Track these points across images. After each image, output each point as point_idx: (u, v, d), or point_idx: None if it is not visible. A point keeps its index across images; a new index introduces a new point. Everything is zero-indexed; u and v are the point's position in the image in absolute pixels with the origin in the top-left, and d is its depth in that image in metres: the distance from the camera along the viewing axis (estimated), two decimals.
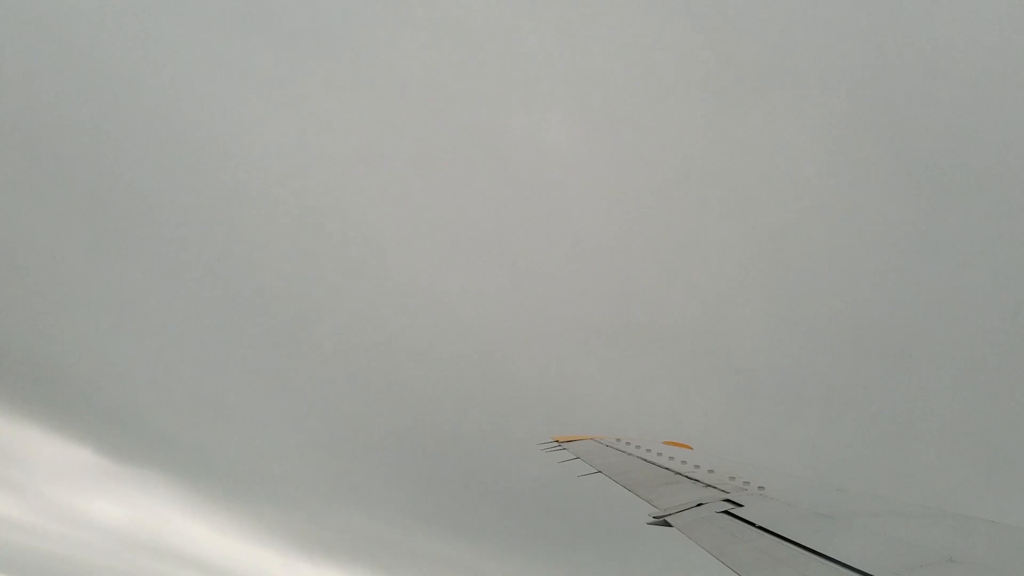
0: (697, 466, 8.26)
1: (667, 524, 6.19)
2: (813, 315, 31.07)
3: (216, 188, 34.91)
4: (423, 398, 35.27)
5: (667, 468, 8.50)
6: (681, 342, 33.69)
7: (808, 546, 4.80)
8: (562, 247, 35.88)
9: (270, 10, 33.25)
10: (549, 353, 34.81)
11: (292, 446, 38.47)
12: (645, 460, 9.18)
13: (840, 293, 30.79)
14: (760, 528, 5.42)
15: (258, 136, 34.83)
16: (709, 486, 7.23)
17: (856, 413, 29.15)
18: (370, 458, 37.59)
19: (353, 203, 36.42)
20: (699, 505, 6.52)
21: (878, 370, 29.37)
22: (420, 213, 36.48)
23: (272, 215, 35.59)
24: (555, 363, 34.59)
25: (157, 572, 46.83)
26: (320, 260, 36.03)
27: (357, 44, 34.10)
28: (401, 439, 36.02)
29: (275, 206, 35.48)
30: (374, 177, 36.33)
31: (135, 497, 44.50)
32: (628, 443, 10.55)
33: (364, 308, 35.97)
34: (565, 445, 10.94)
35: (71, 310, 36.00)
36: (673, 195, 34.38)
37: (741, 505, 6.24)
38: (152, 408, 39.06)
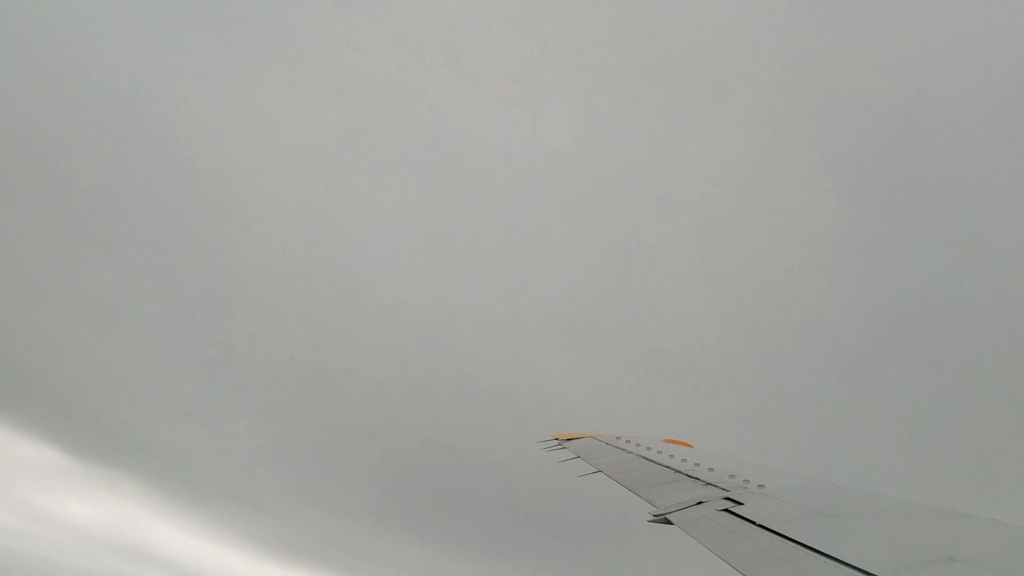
0: (697, 464, 8.27)
1: (668, 522, 6.20)
2: (804, 315, 31.16)
3: (181, 188, 34.80)
4: (393, 399, 35.06)
5: (667, 466, 8.51)
6: (645, 343, 33.71)
7: (809, 544, 4.81)
8: (523, 246, 35.87)
9: (231, 10, 33.12)
10: (516, 351, 34.75)
11: (260, 447, 38.18)
12: (645, 458, 9.19)
13: (834, 292, 30.89)
14: (760, 526, 5.44)
15: (225, 137, 34.71)
16: (709, 484, 7.24)
17: (855, 411, 29.22)
18: (339, 460, 37.29)
19: (314, 202, 36.30)
20: (699, 503, 6.53)
21: (877, 368, 29.43)
22: (381, 212, 36.36)
23: (237, 215, 35.46)
24: (523, 362, 34.51)
25: (128, 573, 46.38)
26: (285, 260, 35.87)
27: (317, 42, 33.97)
28: (371, 440, 35.78)
29: (241, 207, 35.35)
30: (333, 176, 36.25)
31: (103, 498, 43.94)
32: (628, 441, 10.56)
33: (330, 309, 35.87)
34: (565, 443, 10.95)
35: (38, 308, 35.87)
36: (632, 195, 34.50)
37: (741, 503, 6.25)
38: (119, 408, 38.79)
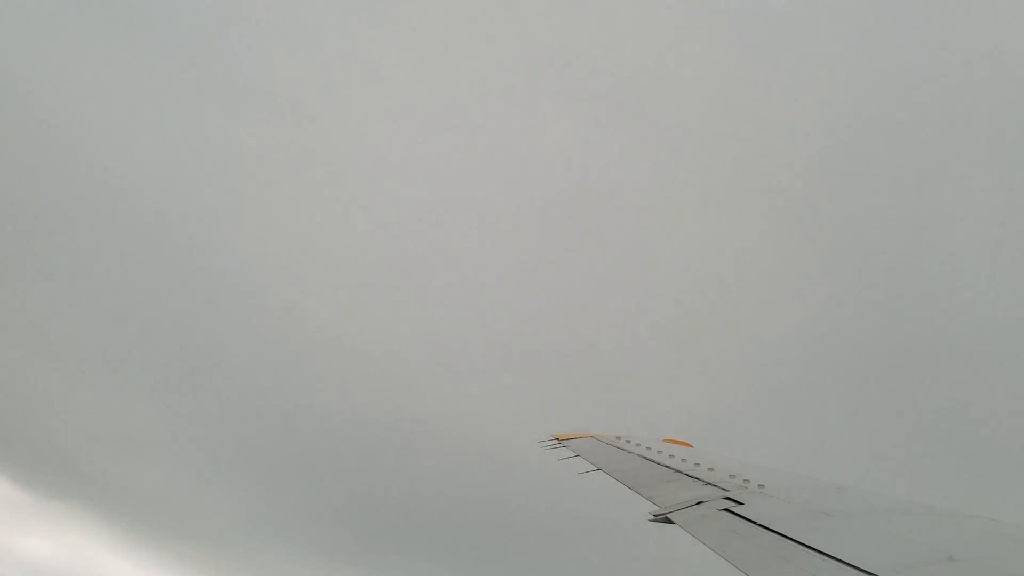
0: (697, 464, 8.28)
1: (669, 521, 6.21)
2: (801, 315, 31.21)
3: (105, 209, 33.98)
4: (350, 432, 34.27)
5: (667, 466, 8.52)
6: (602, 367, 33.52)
7: (809, 544, 4.82)
8: (468, 276, 35.45)
9: (137, 21, 32.62)
10: (456, 378, 34.23)
11: (214, 481, 37.25)
12: (645, 458, 9.20)
13: (830, 291, 30.96)
14: (761, 526, 5.44)
15: (158, 162, 34.10)
16: (709, 484, 7.25)
17: (855, 411, 29.23)
18: (298, 494, 36.39)
19: (255, 231, 35.69)
20: (699, 503, 6.54)
21: (877, 367, 29.45)
22: (321, 242, 35.80)
23: (180, 245, 34.84)
24: (466, 390, 33.92)
25: None
26: (229, 292, 35.16)
27: (222, 56, 33.46)
28: (332, 473, 34.86)
29: (182, 237, 34.67)
30: (274, 206, 35.66)
31: (57, 532, 42.27)
32: (628, 441, 10.57)
33: (275, 341, 35.21)
34: (565, 443, 10.97)
35: None
36: (559, 210, 34.40)
37: (741, 503, 6.26)
38: (69, 439, 37.62)
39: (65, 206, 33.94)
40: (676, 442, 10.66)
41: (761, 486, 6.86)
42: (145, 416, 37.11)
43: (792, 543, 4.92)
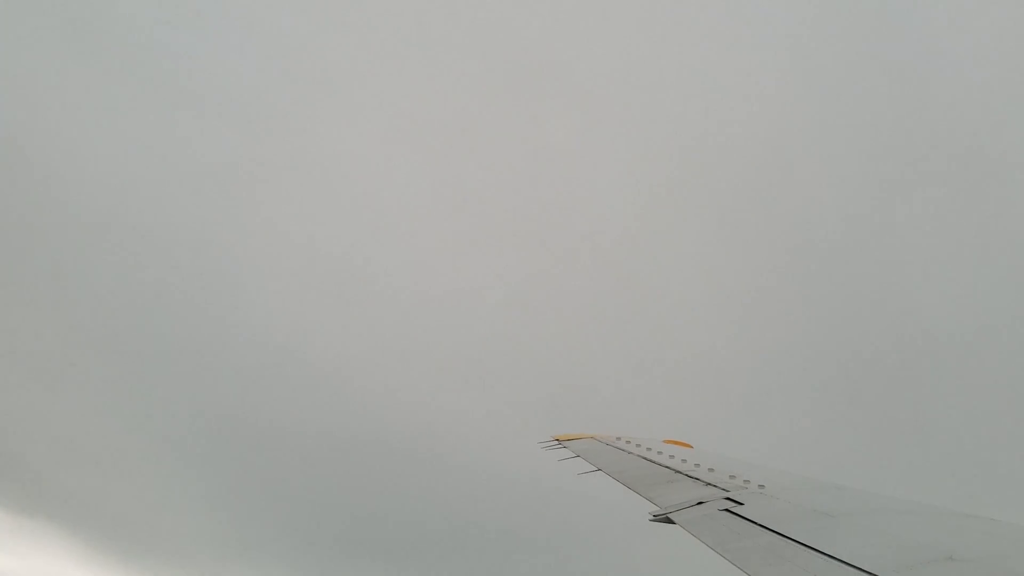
0: (697, 464, 8.30)
1: (669, 521, 6.23)
2: (797, 315, 31.29)
3: (68, 215, 33.18)
4: (339, 439, 33.74)
5: (667, 467, 8.54)
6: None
7: (809, 544, 4.83)
8: (444, 272, 34.94)
9: (100, 25, 31.87)
10: (456, 380, 33.76)
11: (190, 500, 36.65)
12: (645, 459, 9.22)
13: (829, 291, 31.01)
14: (761, 526, 5.45)
15: (106, 161, 33.26)
16: (709, 484, 7.27)
17: (854, 411, 29.27)
18: (273, 511, 35.64)
19: (205, 233, 34.87)
20: (700, 503, 6.56)
21: (875, 367, 29.49)
22: (275, 244, 35.11)
23: (132, 247, 34.13)
24: (465, 392, 33.58)
25: None
26: (187, 299, 34.56)
27: (200, 60, 32.71)
28: (320, 486, 34.35)
29: (136, 237, 33.99)
30: (222, 205, 34.99)
31: (32, 553, 41.72)
32: (628, 441, 10.59)
33: (253, 352, 34.55)
34: (565, 443, 10.99)
35: None
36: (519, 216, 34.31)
37: (742, 503, 6.27)
38: (39, 455, 36.89)
39: (26, 211, 33.30)
40: (676, 442, 10.68)
41: (761, 486, 6.88)
42: (116, 430, 36.22)
43: (792, 543, 4.93)
